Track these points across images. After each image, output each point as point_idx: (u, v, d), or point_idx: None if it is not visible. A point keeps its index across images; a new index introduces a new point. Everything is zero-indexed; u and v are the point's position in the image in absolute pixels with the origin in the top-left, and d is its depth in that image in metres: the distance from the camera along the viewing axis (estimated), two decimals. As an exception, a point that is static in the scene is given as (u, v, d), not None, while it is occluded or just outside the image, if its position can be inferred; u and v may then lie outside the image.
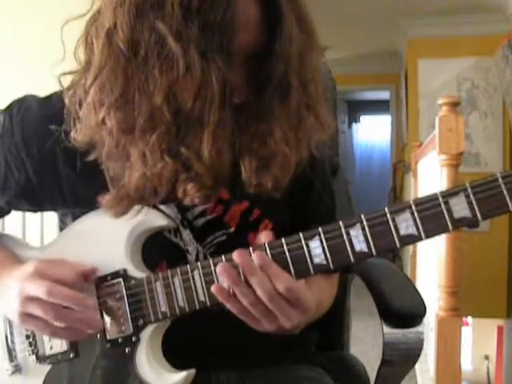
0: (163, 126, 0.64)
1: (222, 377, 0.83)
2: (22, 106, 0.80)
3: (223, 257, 0.68)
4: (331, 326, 1.05)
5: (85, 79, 0.67)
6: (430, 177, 2.61)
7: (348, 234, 0.64)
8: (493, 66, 3.94)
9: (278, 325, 0.67)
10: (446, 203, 0.60)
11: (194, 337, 0.78)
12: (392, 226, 0.62)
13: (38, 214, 1.26)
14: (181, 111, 0.64)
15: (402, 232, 0.62)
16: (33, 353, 0.80)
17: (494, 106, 4.12)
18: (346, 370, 0.94)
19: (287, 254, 0.66)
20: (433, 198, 0.61)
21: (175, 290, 0.71)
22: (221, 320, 0.72)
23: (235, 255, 0.66)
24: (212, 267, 0.68)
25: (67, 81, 0.72)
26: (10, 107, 0.81)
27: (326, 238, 0.65)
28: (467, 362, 4.09)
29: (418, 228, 0.62)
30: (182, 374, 0.72)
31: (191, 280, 0.70)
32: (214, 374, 0.83)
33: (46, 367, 0.80)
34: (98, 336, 0.75)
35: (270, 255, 0.66)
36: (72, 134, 0.70)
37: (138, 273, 0.74)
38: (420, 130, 4.21)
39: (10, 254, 0.82)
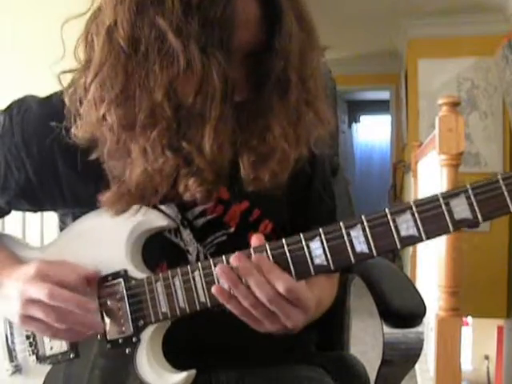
0: (164, 121, 0.64)
1: (221, 376, 0.83)
2: (22, 106, 0.80)
3: (224, 257, 0.68)
4: (331, 326, 1.05)
5: (85, 77, 0.67)
6: (429, 177, 2.61)
7: (349, 234, 0.64)
8: (493, 66, 3.94)
9: (279, 325, 0.67)
10: (447, 204, 0.60)
11: (194, 337, 0.78)
12: (393, 227, 0.62)
13: (38, 213, 1.26)
14: (182, 107, 0.64)
15: (403, 233, 0.62)
16: (33, 353, 0.80)
17: (494, 106, 4.12)
18: (346, 370, 0.94)
19: (288, 254, 0.66)
20: (433, 199, 0.61)
21: (176, 290, 0.71)
22: (222, 321, 0.72)
23: (232, 258, 0.66)
24: (213, 268, 0.68)
25: (67, 80, 0.72)
26: (10, 107, 0.81)
27: (326, 239, 0.65)
28: (467, 362, 4.09)
29: (418, 229, 0.61)
30: (183, 375, 0.72)
31: (192, 281, 0.70)
32: (214, 374, 0.82)
33: (46, 367, 0.79)
34: (99, 336, 0.75)
35: (270, 256, 0.66)
36: (73, 130, 0.70)
37: (138, 273, 0.74)
38: (420, 130, 4.21)
39: (10, 254, 0.82)
